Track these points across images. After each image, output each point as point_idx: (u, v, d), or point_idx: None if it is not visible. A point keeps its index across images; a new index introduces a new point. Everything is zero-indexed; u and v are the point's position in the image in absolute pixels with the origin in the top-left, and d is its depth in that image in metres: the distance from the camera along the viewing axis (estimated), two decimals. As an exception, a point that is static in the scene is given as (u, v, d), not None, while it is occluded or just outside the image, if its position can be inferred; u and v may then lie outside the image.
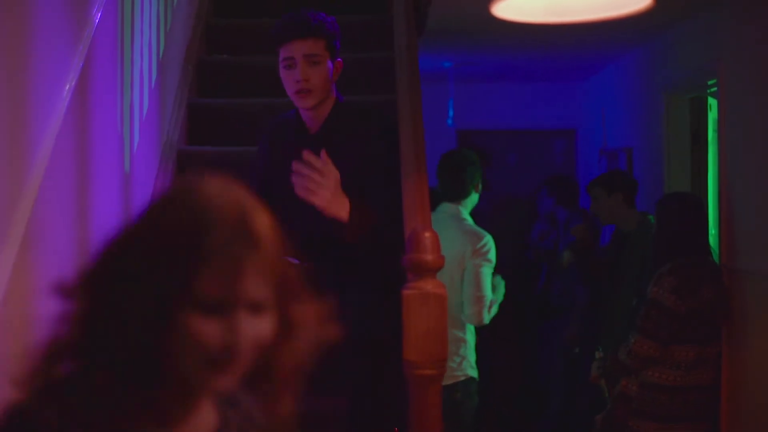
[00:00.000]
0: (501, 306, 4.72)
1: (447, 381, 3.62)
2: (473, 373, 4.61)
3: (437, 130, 7.30)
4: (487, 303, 4.53)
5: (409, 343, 2.57)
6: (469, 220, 4.73)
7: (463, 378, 4.54)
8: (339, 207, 3.13)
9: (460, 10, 5.15)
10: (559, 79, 8.47)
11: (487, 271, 4.57)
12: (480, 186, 4.81)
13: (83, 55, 3.05)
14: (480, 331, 4.81)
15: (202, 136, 4.80)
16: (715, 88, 5.24)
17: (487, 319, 4.55)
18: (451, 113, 7.72)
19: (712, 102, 5.61)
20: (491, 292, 4.59)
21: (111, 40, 3.49)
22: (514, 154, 8.97)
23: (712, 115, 5.65)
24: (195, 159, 4.57)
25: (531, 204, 7.43)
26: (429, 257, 2.56)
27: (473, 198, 4.79)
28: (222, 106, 4.88)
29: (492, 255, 4.60)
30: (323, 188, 3.09)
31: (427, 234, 2.58)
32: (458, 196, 4.73)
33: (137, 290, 1.30)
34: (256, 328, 1.35)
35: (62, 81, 2.87)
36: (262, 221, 1.37)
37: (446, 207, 4.73)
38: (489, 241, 4.60)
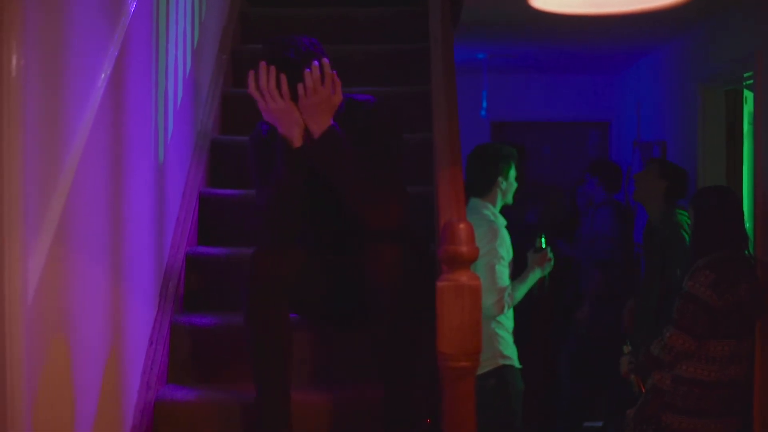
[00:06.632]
0: (535, 299, 4.70)
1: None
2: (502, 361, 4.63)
3: (471, 121, 7.27)
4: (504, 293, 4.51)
5: (443, 335, 2.56)
6: (491, 215, 4.64)
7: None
8: (320, 117, 3.09)
9: (497, 1, 5.12)
10: (594, 71, 8.42)
11: (495, 262, 4.51)
12: (514, 183, 4.73)
13: (119, 44, 3.05)
14: (516, 322, 4.79)
15: (236, 126, 4.80)
16: (751, 81, 5.20)
17: (506, 308, 4.51)
18: (485, 104, 7.68)
19: (748, 94, 5.56)
20: (507, 281, 4.54)
21: (146, 29, 3.50)
22: (547, 145, 8.94)
23: (748, 108, 5.60)
24: (229, 149, 4.57)
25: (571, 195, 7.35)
26: (464, 249, 2.55)
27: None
28: (256, 96, 4.87)
29: (498, 245, 4.53)
30: (322, 97, 3.06)
31: (461, 225, 2.57)
32: (483, 192, 4.66)
33: None
34: None
35: (98, 70, 2.88)
36: None
37: (474, 203, 4.66)
38: (498, 233, 4.56)
